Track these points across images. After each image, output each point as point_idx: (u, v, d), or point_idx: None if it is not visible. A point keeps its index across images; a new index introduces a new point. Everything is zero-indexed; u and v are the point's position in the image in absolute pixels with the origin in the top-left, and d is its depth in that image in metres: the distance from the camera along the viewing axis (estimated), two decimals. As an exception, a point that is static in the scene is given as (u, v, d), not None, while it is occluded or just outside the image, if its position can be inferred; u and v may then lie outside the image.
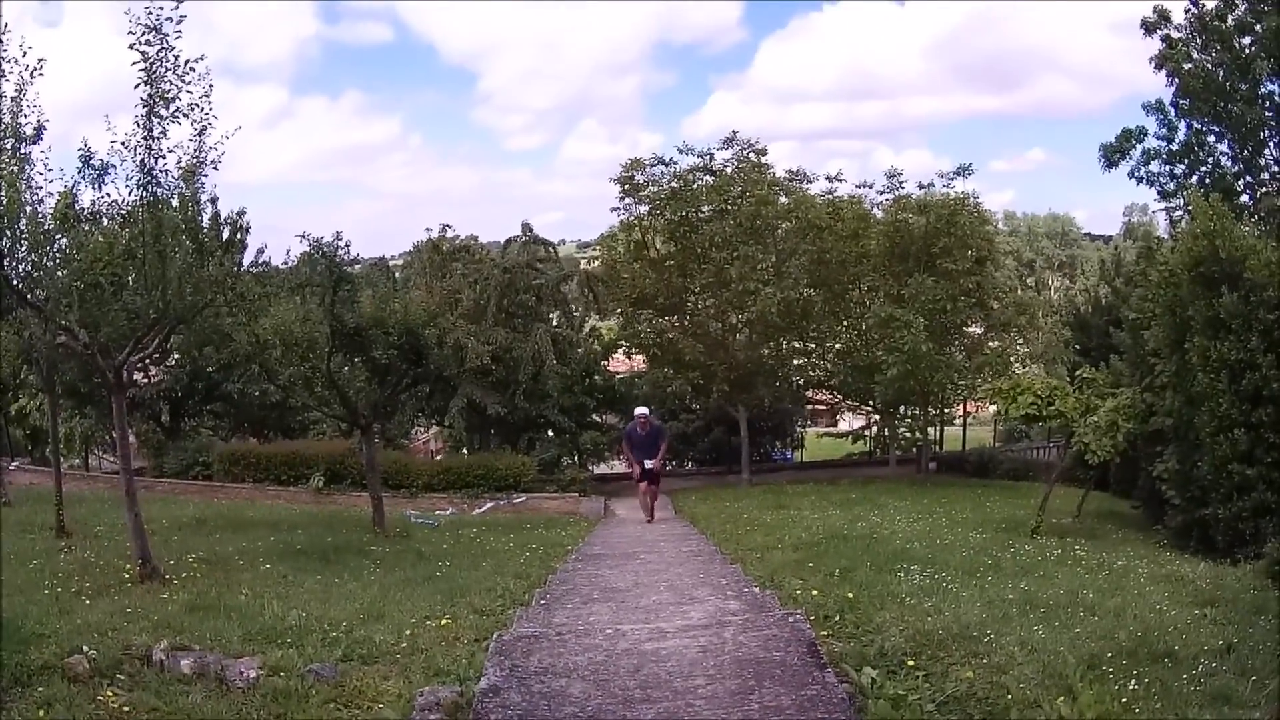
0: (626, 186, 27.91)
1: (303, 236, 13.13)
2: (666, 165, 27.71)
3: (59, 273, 8.72)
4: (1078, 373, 14.57)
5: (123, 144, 8.73)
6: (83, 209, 9.31)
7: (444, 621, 6.85)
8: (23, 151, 8.65)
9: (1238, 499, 10.93)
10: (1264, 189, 20.38)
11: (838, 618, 6.68)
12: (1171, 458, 12.39)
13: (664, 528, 16.59)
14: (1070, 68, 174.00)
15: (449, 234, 30.82)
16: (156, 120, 8.68)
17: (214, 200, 10.45)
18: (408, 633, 6.56)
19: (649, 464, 17.32)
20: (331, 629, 6.72)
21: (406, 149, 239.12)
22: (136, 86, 8.61)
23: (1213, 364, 11.29)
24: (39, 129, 8.73)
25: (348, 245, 13.29)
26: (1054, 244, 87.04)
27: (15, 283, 8.63)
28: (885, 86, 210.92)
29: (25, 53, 8.36)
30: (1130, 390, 13.41)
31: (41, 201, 8.87)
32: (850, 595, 7.13)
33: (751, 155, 27.52)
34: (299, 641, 6.36)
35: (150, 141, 8.71)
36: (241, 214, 28.01)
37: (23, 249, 8.68)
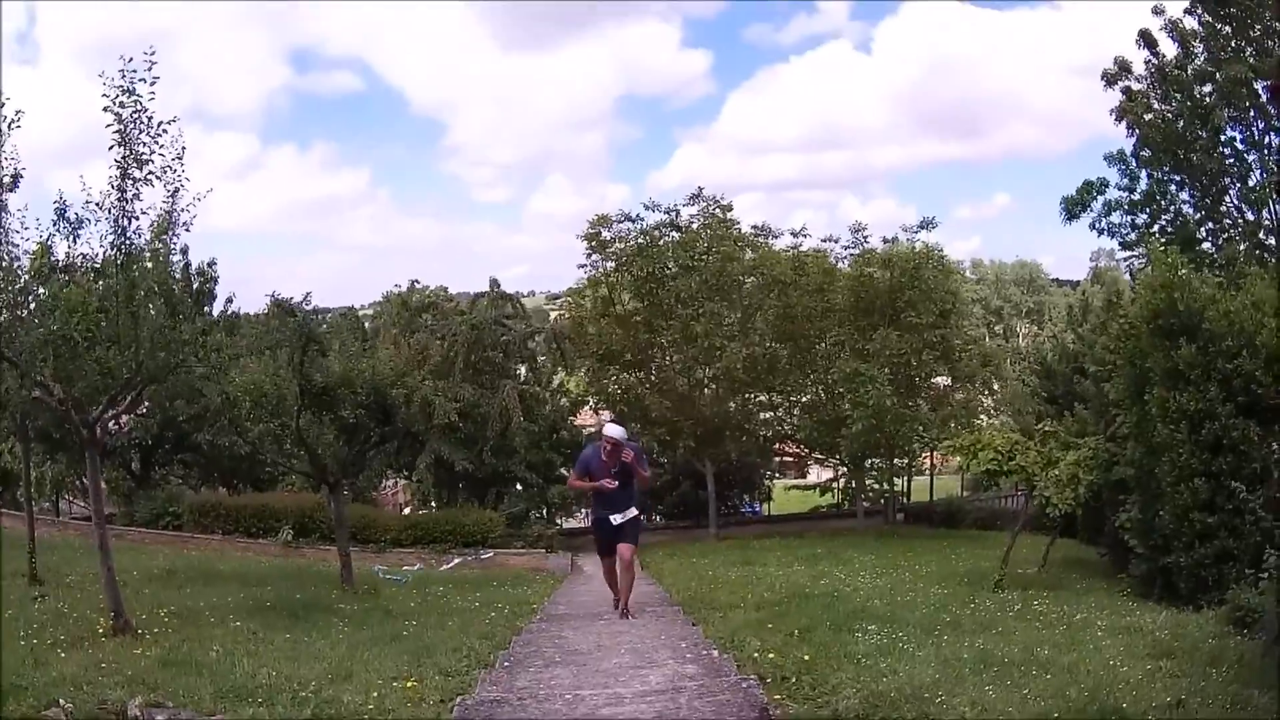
0: (593, 243, 28.27)
1: (271, 296, 13.33)
2: (633, 221, 28.19)
3: (37, 330, 8.65)
4: (1039, 425, 14.72)
5: (97, 204, 8.81)
6: (58, 260, 9.37)
7: (410, 684, 6.88)
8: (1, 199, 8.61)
9: (1200, 546, 11.05)
10: (1225, 235, 20.68)
11: (794, 679, 6.76)
12: (1134, 507, 12.54)
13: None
14: (1034, 113, 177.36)
15: (418, 286, 31.11)
16: (130, 182, 8.76)
17: (184, 250, 10.36)
18: (375, 695, 6.57)
19: (617, 519, 10.73)
20: (301, 688, 6.73)
21: (375, 201, 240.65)
22: (111, 148, 8.68)
23: (1172, 415, 11.45)
24: (15, 176, 8.69)
25: (314, 309, 13.45)
26: (1021, 290, 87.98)
27: None
28: (851, 136, 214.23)
29: (2, 104, 8.38)
30: (1093, 440, 13.58)
31: (18, 260, 8.85)
32: (807, 657, 7.23)
33: (717, 211, 27.86)
34: (269, 700, 6.39)
35: (124, 203, 8.78)
36: (212, 264, 28.24)
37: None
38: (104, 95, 8.61)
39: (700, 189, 28.32)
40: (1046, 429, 14.18)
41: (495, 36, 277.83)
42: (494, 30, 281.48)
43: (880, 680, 6.49)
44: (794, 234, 29.73)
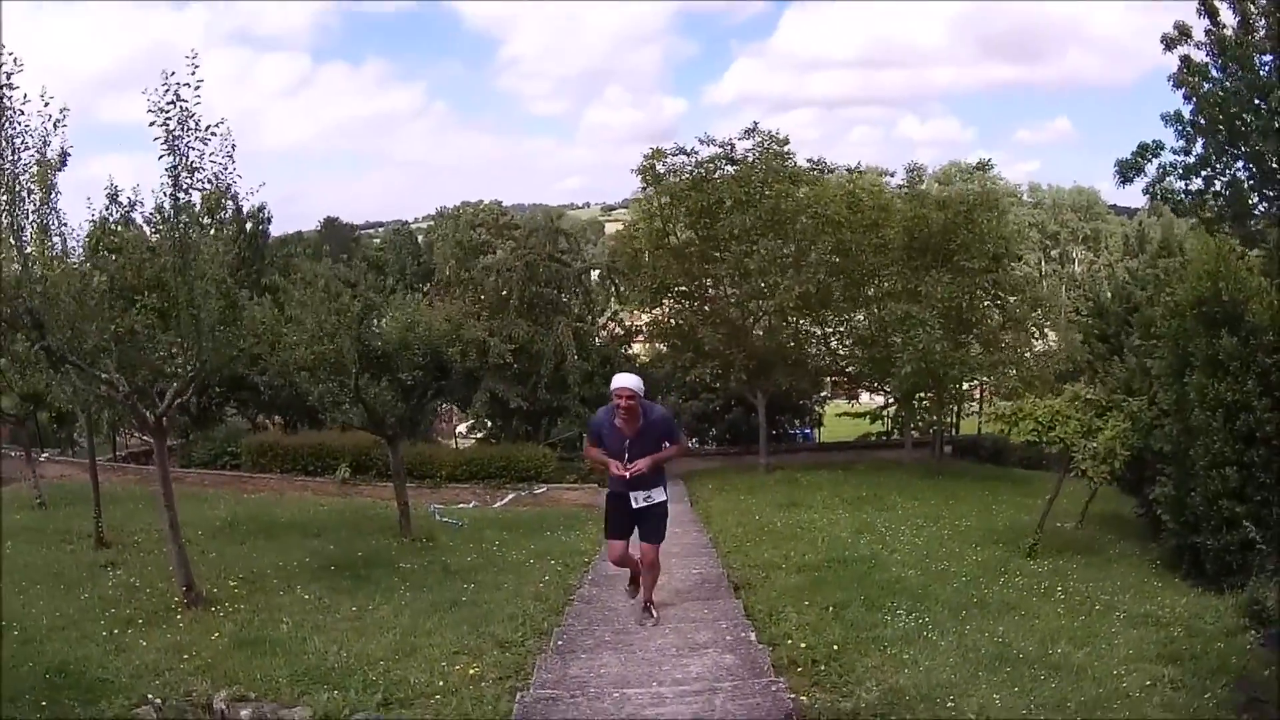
0: (648, 176, 28.36)
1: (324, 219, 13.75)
2: (688, 155, 28.14)
3: (95, 329, 9.04)
4: (1074, 388, 14.84)
5: (153, 211, 9.28)
6: (113, 240, 9.79)
7: (473, 670, 7.48)
8: (50, 180, 8.91)
9: (1227, 532, 11.35)
10: (1275, 207, 20.22)
11: (824, 665, 7.38)
12: (1168, 483, 12.80)
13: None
14: (1096, 40, 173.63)
15: (470, 204, 31.57)
16: (182, 192, 9.16)
17: (234, 196, 10.39)
18: (439, 678, 7.23)
19: (638, 498, 8.63)
20: (370, 668, 7.40)
21: (429, 116, 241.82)
22: (160, 158, 9.05)
23: (1209, 402, 11.67)
24: (64, 155, 8.97)
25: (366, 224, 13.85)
26: (1078, 217, 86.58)
27: (56, 347, 8.96)
28: (909, 55, 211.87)
29: (47, 102, 8.66)
30: (1136, 402, 13.78)
31: (64, 240, 9.17)
32: (836, 646, 7.80)
33: (773, 145, 27.81)
34: (342, 683, 7.03)
35: (178, 211, 9.19)
36: (262, 209, 29.09)
37: (66, 305, 8.88)
38: (149, 111, 8.90)
39: (755, 123, 28.28)
40: (1088, 396, 14.33)
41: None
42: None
43: (902, 672, 7.10)
44: (849, 171, 29.90)
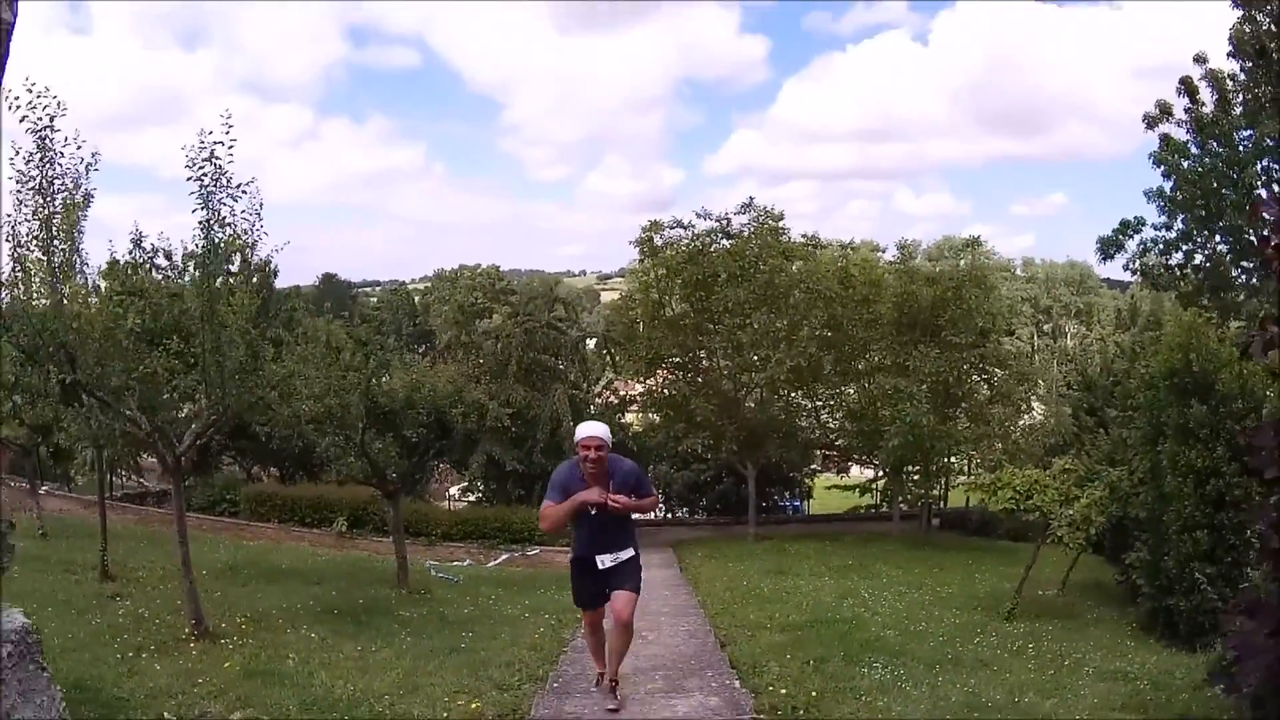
0: (645, 248, 28.98)
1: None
2: (685, 228, 28.84)
3: (121, 369, 9.55)
4: (1057, 461, 15.30)
5: (165, 258, 9.80)
6: (137, 281, 10.32)
7: (474, 705, 7.80)
8: (76, 219, 9.31)
9: (1198, 593, 11.78)
10: (1255, 275, 20.65)
11: (803, 711, 7.71)
12: (1143, 548, 13.23)
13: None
14: (1093, 114, 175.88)
15: (468, 267, 32.18)
16: (213, 245, 9.69)
17: (253, 247, 10.76)
18: (443, 716, 7.53)
19: (606, 560, 7.54)
20: (375, 702, 7.68)
21: (431, 176, 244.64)
22: (194, 211, 9.63)
23: (1181, 468, 12.17)
24: (88, 196, 9.40)
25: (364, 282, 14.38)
26: (1071, 291, 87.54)
27: (85, 381, 9.41)
28: (907, 128, 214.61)
29: (80, 145, 9.18)
30: (1116, 472, 14.19)
31: (87, 279, 9.66)
32: (815, 693, 8.13)
33: (768, 220, 28.49)
34: (350, 714, 7.32)
35: (209, 264, 9.71)
36: (269, 262, 29.45)
37: (95, 342, 9.37)
38: (186, 167, 9.47)
39: (751, 199, 29.26)
40: (1066, 466, 14.76)
41: (553, 18, 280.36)
42: (552, 12, 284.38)
43: (876, 718, 7.45)
44: (843, 246, 30.71)
